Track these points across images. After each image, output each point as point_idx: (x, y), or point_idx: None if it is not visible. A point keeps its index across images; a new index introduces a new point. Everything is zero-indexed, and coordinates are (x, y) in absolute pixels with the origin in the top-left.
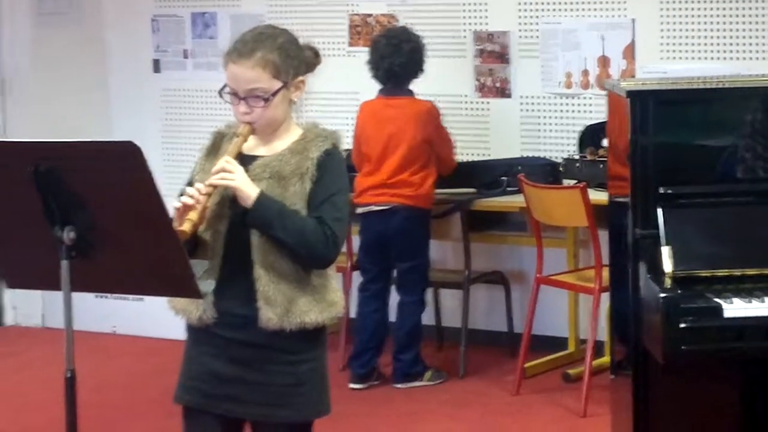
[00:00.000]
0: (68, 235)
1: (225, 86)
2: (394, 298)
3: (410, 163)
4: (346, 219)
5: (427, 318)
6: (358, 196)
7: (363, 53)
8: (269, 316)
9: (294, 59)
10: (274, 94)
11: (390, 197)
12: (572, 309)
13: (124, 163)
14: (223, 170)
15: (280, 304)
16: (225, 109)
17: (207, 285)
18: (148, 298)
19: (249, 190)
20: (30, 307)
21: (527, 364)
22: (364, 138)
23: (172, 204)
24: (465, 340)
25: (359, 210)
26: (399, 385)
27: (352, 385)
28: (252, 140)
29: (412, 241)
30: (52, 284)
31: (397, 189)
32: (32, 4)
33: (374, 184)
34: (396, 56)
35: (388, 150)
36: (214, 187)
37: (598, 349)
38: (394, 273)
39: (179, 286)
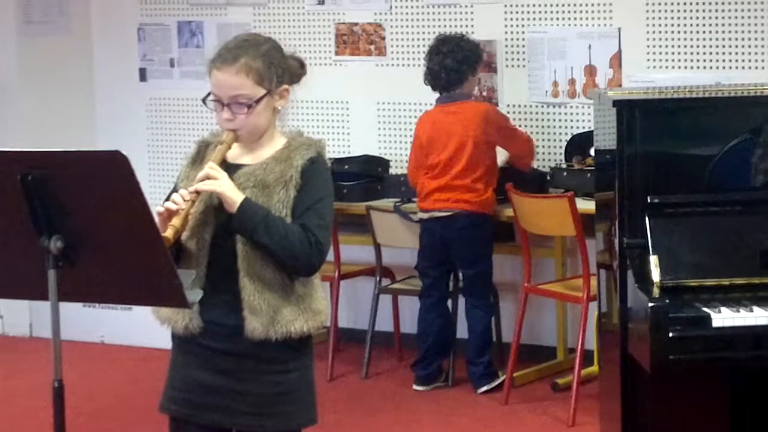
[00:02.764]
0: (55, 244)
1: (209, 94)
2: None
3: (473, 169)
4: (330, 226)
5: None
6: (422, 201)
7: (349, 62)
8: (254, 325)
9: (278, 67)
10: (258, 101)
11: (452, 203)
12: (560, 318)
13: (111, 172)
14: (208, 177)
15: (266, 313)
16: (211, 118)
17: (194, 294)
18: (136, 308)
19: (234, 195)
20: (17, 316)
21: (516, 374)
22: (424, 149)
23: (155, 210)
24: (453, 349)
25: (421, 216)
26: (481, 389)
27: (416, 387)
28: (236, 149)
29: (474, 247)
30: (39, 294)
31: (459, 194)
32: (18, 13)
33: (437, 188)
34: (446, 59)
35: (451, 157)
36: (199, 192)
37: (586, 358)
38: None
39: (167, 295)
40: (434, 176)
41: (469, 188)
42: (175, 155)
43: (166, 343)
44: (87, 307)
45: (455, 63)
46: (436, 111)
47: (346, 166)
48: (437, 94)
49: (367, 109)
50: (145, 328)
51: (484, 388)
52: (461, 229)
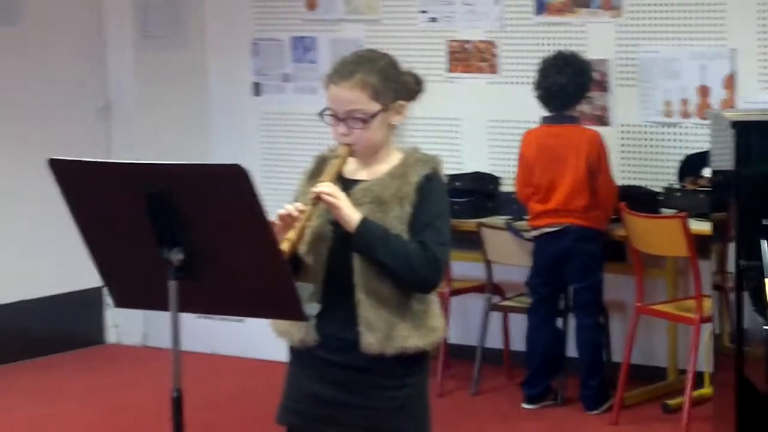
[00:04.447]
0: (176, 256)
1: (325, 108)
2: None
3: (578, 192)
4: (448, 243)
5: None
6: (532, 220)
7: (461, 79)
8: (370, 341)
9: (394, 83)
10: (373, 116)
11: (563, 218)
12: (672, 339)
13: (231, 185)
14: (324, 193)
15: (381, 329)
16: (324, 133)
17: (312, 308)
18: (248, 319)
19: (351, 213)
20: (132, 326)
21: (626, 394)
22: (530, 167)
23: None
24: (563, 368)
25: (533, 233)
26: (593, 411)
27: (525, 405)
28: (353, 164)
29: (584, 262)
30: (159, 304)
31: (569, 212)
32: (137, 27)
33: (545, 211)
34: (558, 77)
35: (555, 180)
36: (315, 202)
37: (697, 380)
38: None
39: (285, 308)
40: (539, 200)
41: (578, 208)
42: (287, 170)
43: (278, 356)
44: (200, 317)
45: (571, 82)
46: (541, 131)
47: (458, 183)
48: (546, 112)
49: (479, 126)
50: (257, 339)
51: (596, 412)
52: (572, 242)
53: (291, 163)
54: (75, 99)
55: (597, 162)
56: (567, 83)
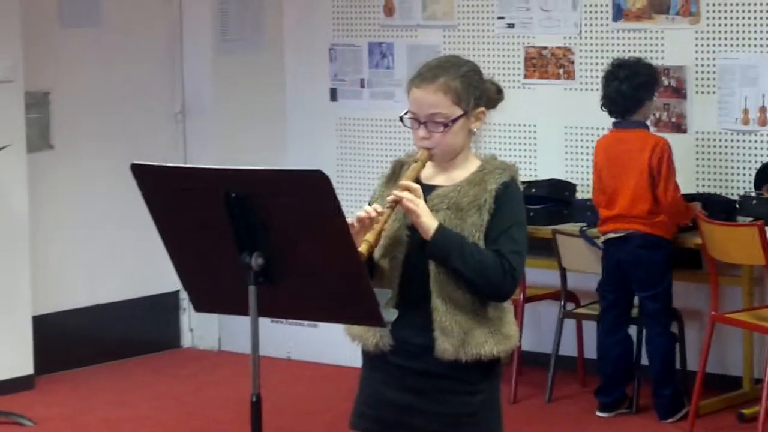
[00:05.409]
0: (256, 261)
1: (407, 112)
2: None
3: (641, 198)
4: (524, 252)
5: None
6: (600, 225)
7: (538, 85)
8: (445, 347)
9: (476, 89)
10: (454, 120)
11: (627, 224)
12: (747, 348)
13: (312, 191)
14: (408, 199)
15: (457, 335)
16: (400, 139)
17: (390, 314)
18: (322, 325)
19: (428, 221)
20: (207, 330)
21: (701, 403)
22: (600, 173)
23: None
24: (636, 376)
25: (601, 238)
26: (667, 420)
27: (599, 413)
28: (430, 169)
29: (649, 270)
30: (238, 309)
31: (632, 218)
32: (215, 31)
33: (611, 216)
34: (615, 83)
35: (619, 185)
36: (395, 203)
37: None
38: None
39: (363, 314)
40: (606, 205)
41: (643, 214)
42: (363, 175)
43: (352, 361)
44: (275, 322)
45: (631, 89)
46: (610, 136)
47: (533, 190)
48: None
49: (555, 133)
50: (331, 344)
51: (670, 420)
52: (635, 249)
53: (366, 169)
54: (152, 102)
55: (658, 167)
56: (624, 89)
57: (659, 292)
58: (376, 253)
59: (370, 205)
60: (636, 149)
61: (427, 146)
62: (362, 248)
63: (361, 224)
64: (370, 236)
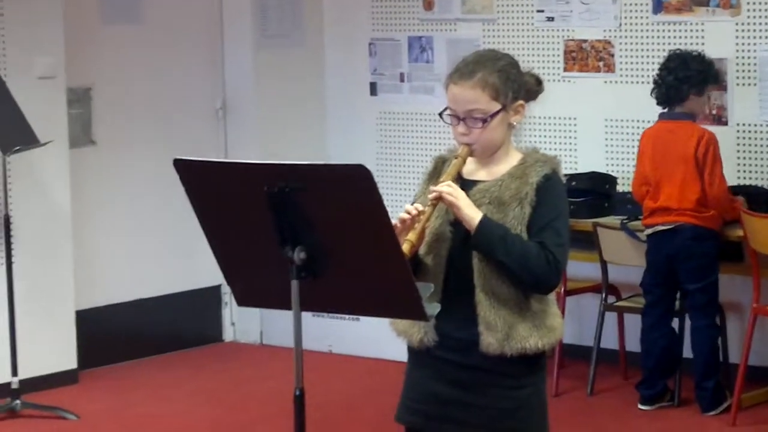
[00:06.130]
0: (299, 255)
1: (446, 108)
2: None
3: (688, 189)
4: (567, 244)
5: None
6: (645, 218)
7: (578, 78)
8: (489, 341)
9: (514, 83)
10: (493, 116)
11: (675, 217)
12: None
13: (354, 185)
14: (444, 193)
15: (501, 329)
16: (440, 133)
17: (433, 308)
18: (364, 319)
19: (472, 212)
20: (249, 324)
21: (743, 395)
22: (644, 164)
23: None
24: (679, 369)
25: (646, 232)
26: (709, 413)
27: (641, 406)
28: (472, 164)
29: (698, 262)
30: (280, 303)
31: (681, 210)
32: (255, 27)
33: (657, 208)
34: (669, 76)
35: (665, 176)
36: (435, 203)
37: None
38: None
39: (406, 308)
40: (651, 196)
41: (691, 205)
42: (403, 169)
43: (393, 355)
44: (316, 316)
45: (676, 81)
46: (656, 127)
47: (574, 183)
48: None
49: (595, 126)
50: (373, 338)
51: (712, 413)
52: (685, 241)
53: (406, 163)
54: (193, 98)
55: (704, 158)
56: (670, 80)
57: (707, 285)
58: (420, 250)
59: (414, 202)
60: (681, 140)
61: (467, 142)
62: (404, 247)
63: (403, 224)
64: (412, 235)
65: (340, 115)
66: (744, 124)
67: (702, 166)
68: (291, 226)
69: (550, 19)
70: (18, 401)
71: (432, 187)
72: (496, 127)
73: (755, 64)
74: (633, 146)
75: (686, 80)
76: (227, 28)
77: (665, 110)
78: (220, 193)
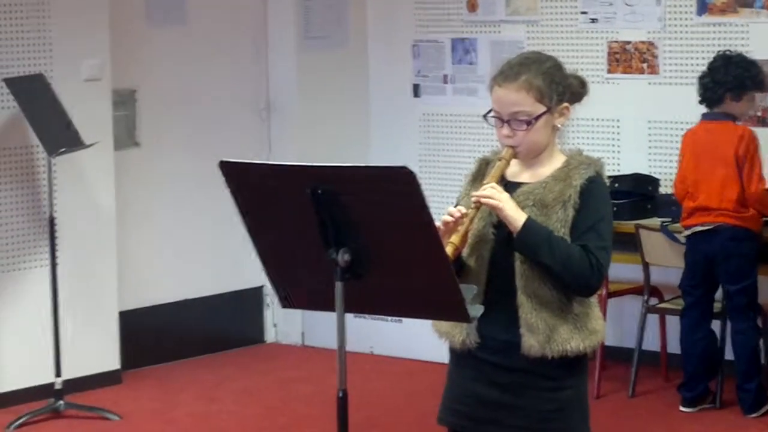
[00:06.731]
0: (343, 257)
1: (490, 110)
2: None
3: (728, 189)
4: (610, 247)
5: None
6: (684, 219)
7: (621, 80)
8: (531, 343)
9: (558, 85)
10: (537, 118)
11: (714, 217)
12: None
13: (398, 187)
14: (488, 196)
15: (542, 331)
16: (483, 135)
17: (476, 309)
18: (406, 320)
19: (516, 214)
20: (290, 325)
21: None
22: (685, 164)
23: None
24: (720, 371)
25: (685, 233)
26: (751, 415)
27: (682, 408)
28: (516, 166)
29: (738, 263)
30: (324, 305)
31: (720, 210)
32: (299, 28)
33: (696, 208)
34: (707, 77)
35: (704, 176)
36: (479, 206)
37: None
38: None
39: (449, 309)
40: (690, 196)
41: (730, 205)
42: (446, 171)
43: (435, 356)
44: (357, 317)
45: (712, 82)
46: (698, 127)
47: (617, 184)
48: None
49: (638, 128)
50: (414, 340)
51: (754, 415)
52: (724, 242)
53: (449, 165)
54: (237, 99)
55: (744, 157)
56: (707, 81)
57: (747, 286)
58: (463, 252)
59: (457, 203)
60: (721, 140)
61: (511, 144)
62: (447, 250)
63: (446, 227)
64: (455, 238)
65: (383, 116)
66: None
67: (741, 165)
68: (335, 228)
69: (594, 20)
70: (61, 402)
71: (473, 193)
72: (540, 129)
73: None
74: (676, 148)
75: (722, 84)
76: (271, 30)
77: (707, 110)
78: (264, 195)
